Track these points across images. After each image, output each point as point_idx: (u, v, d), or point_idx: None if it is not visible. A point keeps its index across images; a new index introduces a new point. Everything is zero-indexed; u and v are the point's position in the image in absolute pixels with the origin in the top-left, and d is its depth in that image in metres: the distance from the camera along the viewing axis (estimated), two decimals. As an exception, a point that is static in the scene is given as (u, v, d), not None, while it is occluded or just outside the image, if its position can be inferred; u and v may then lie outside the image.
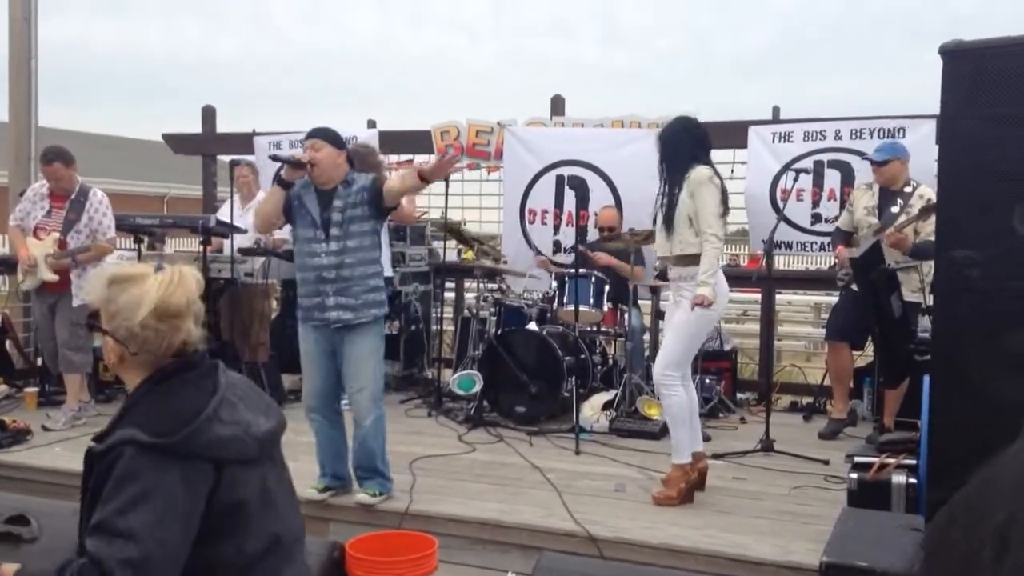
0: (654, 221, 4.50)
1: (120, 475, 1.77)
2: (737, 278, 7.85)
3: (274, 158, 4.72)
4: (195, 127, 8.34)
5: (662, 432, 5.62)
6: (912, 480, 3.73)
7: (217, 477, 1.84)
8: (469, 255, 7.97)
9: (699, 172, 4.24)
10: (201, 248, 6.11)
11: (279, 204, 4.23)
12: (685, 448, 4.31)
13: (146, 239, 6.38)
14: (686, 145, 4.34)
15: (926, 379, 3.55)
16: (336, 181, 4.22)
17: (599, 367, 6.25)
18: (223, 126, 8.32)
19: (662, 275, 6.51)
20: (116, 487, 1.76)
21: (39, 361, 6.65)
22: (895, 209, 5.30)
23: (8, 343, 6.76)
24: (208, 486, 1.83)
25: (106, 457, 1.81)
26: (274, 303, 6.75)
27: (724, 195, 4.28)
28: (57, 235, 5.66)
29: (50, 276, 5.63)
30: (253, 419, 1.95)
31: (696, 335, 4.34)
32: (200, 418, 1.84)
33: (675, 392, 4.25)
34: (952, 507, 0.55)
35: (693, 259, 4.21)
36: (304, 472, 4.50)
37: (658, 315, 7.20)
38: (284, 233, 6.58)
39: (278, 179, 4.25)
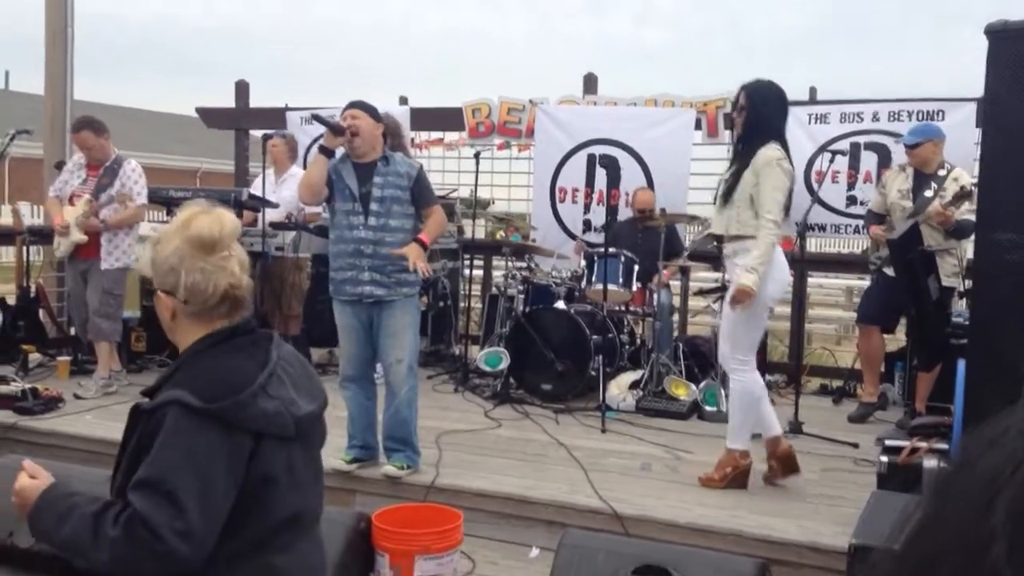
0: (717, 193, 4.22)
1: (167, 435, 1.78)
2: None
3: (316, 118, 4.67)
4: (229, 102, 8.38)
5: (689, 412, 5.60)
6: (944, 465, 3.69)
7: (254, 449, 1.85)
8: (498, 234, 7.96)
9: (768, 152, 3.94)
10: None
11: (323, 172, 4.21)
12: (739, 434, 4.18)
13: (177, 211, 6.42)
14: (775, 117, 4.05)
15: (960, 363, 3.51)
16: (374, 155, 4.22)
17: (627, 346, 6.23)
18: (257, 101, 8.35)
19: (694, 255, 6.48)
20: (162, 447, 1.78)
21: (72, 330, 6.74)
22: (928, 193, 5.22)
23: (41, 312, 6.85)
24: (246, 457, 1.84)
25: (153, 415, 1.82)
26: (307, 277, 6.77)
27: (791, 180, 4.02)
28: (89, 197, 5.72)
29: (80, 236, 5.69)
30: (297, 398, 1.94)
31: (750, 318, 4.04)
32: (248, 389, 1.84)
33: (739, 378, 4.12)
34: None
35: (748, 240, 4.00)
36: (333, 444, 4.52)
37: (686, 295, 7.16)
38: (318, 207, 6.62)
39: (320, 147, 4.26)
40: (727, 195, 4.01)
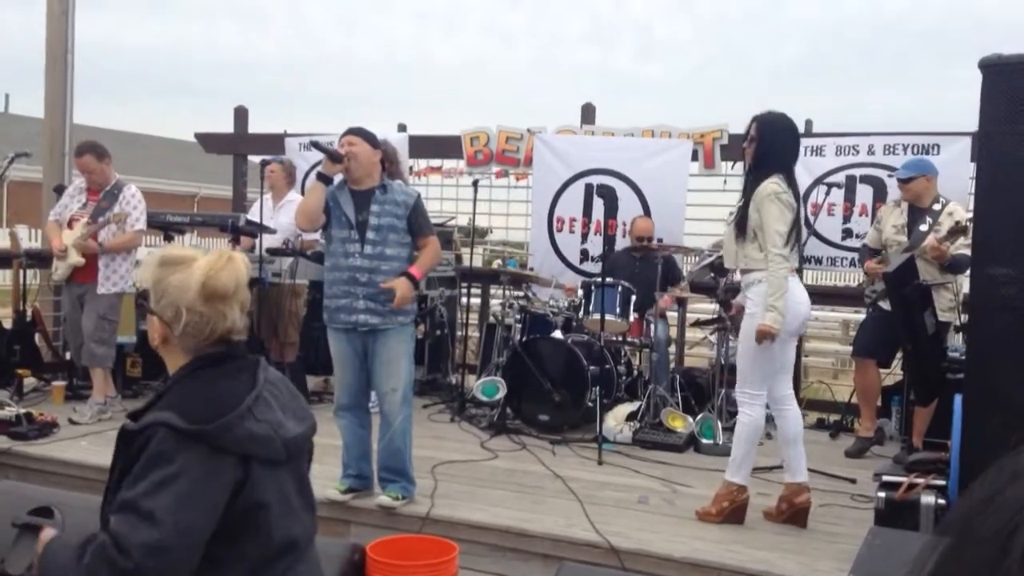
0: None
1: (150, 457, 1.78)
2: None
3: (315, 145, 4.65)
4: (229, 128, 8.41)
5: (686, 444, 5.58)
6: (942, 501, 3.67)
7: (244, 474, 1.85)
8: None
9: (768, 186, 3.94)
10: (230, 247, 6.14)
11: (321, 199, 4.21)
12: (740, 468, 4.15)
13: (176, 237, 6.43)
14: (785, 150, 4.05)
15: (957, 398, 3.50)
16: (371, 182, 4.23)
17: (624, 377, 6.22)
18: (257, 127, 8.38)
19: (692, 287, 6.47)
20: (144, 468, 1.78)
21: (67, 355, 6.72)
22: (923, 227, 5.24)
23: (37, 336, 6.83)
24: (233, 480, 1.84)
25: (139, 437, 1.83)
26: (304, 304, 6.76)
27: (793, 212, 3.98)
28: (87, 220, 5.73)
29: (78, 259, 5.68)
30: (285, 421, 1.95)
31: (761, 352, 4.00)
32: (235, 411, 1.84)
33: (747, 412, 4.09)
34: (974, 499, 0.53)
35: (756, 273, 4.01)
36: (327, 474, 4.51)
37: (683, 326, 7.16)
38: (315, 235, 6.62)
39: (318, 174, 4.26)
40: (740, 229, 4.02)
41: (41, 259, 6.83)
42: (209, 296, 1.93)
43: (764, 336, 3.93)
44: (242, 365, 1.98)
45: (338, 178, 4.30)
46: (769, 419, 6.56)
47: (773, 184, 3.97)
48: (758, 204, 3.95)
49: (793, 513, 4.16)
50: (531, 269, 7.21)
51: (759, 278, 4.00)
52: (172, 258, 1.99)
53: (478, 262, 9.40)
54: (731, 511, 4.16)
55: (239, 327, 1.99)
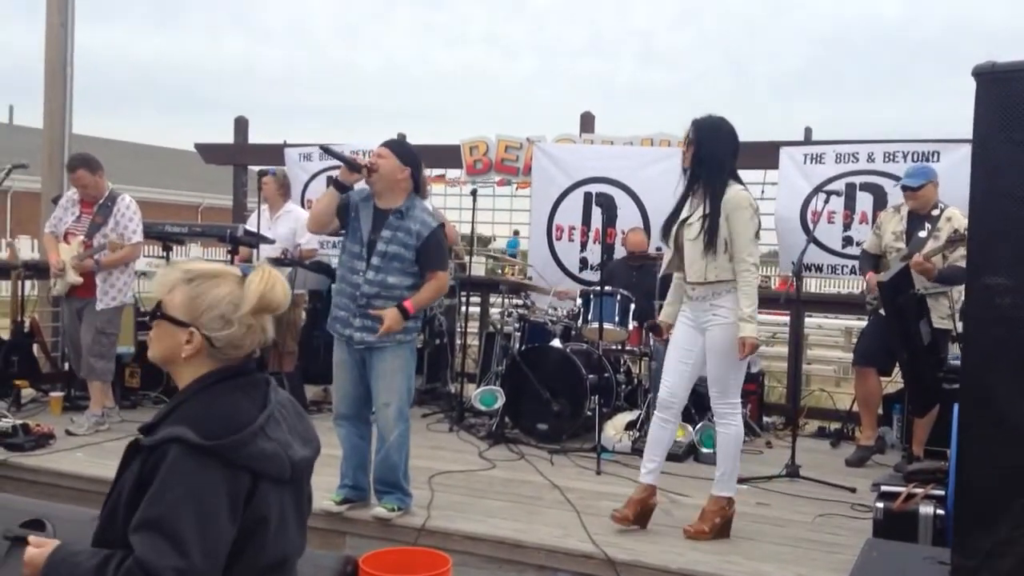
0: (666, 232, 4.15)
1: (168, 473, 1.78)
2: (766, 300, 7.80)
3: (326, 150, 4.53)
4: (229, 138, 8.41)
5: (685, 454, 5.55)
6: (940, 511, 3.64)
7: (251, 490, 1.85)
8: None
9: (739, 194, 3.96)
10: (229, 257, 6.14)
11: (331, 205, 4.15)
12: (731, 481, 4.12)
13: (174, 247, 6.44)
14: (724, 154, 4.01)
15: (956, 408, 3.47)
16: (394, 201, 4.11)
17: (623, 386, 6.19)
18: (258, 137, 8.38)
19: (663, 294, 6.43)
20: (163, 485, 1.77)
21: (65, 366, 6.71)
22: (923, 233, 5.21)
23: (36, 347, 6.82)
24: (244, 497, 1.84)
25: (153, 452, 1.82)
26: (303, 314, 6.76)
27: (758, 220, 4.04)
28: (83, 238, 5.71)
29: (75, 278, 5.68)
30: (292, 442, 1.96)
31: (741, 363, 4.04)
32: (249, 428, 1.85)
33: (732, 423, 4.07)
34: None
35: (725, 284, 3.97)
36: (326, 485, 4.49)
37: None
38: (314, 244, 6.62)
39: (333, 180, 4.18)
40: (711, 240, 3.93)
41: (39, 270, 6.84)
42: (263, 308, 1.97)
43: (752, 348, 3.94)
44: (254, 381, 1.99)
45: (359, 185, 4.20)
46: (768, 428, 6.56)
47: (744, 192, 3.98)
48: (729, 212, 3.92)
49: (724, 525, 4.13)
50: (530, 278, 7.20)
51: (728, 289, 3.97)
52: (204, 272, 1.99)
53: (480, 271, 9.39)
54: (722, 525, 4.12)
55: (269, 338, 2.04)
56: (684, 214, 4.09)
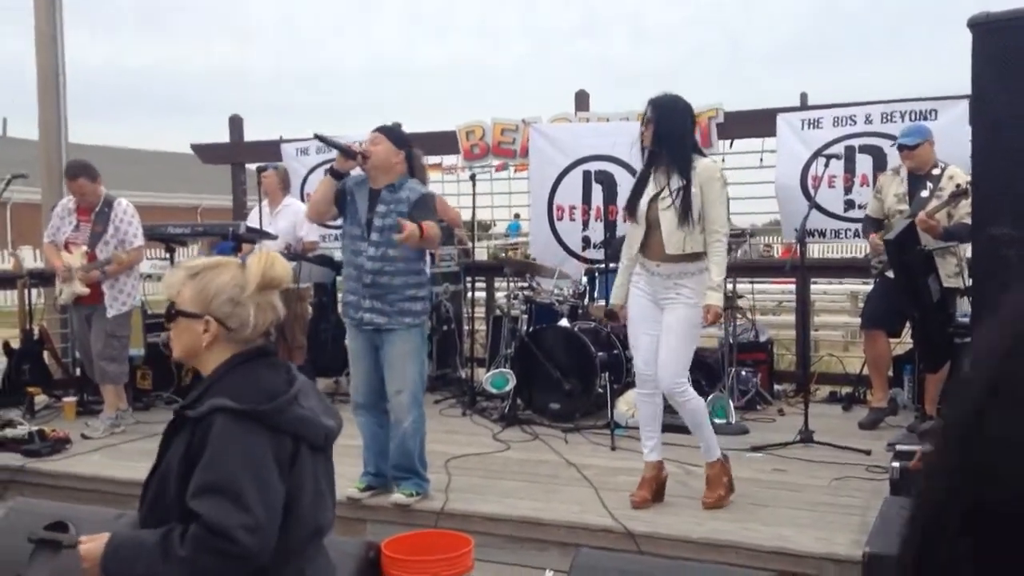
0: (633, 209, 4.09)
1: (218, 439, 1.87)
2: (771, 268, 7.82)
3: (320, 138, 4.64)
4: (223, 139, 8.41)
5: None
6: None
7: (294, 455, 1.95)
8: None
9: (710, 166, 4.04)
10: (233, 255, 6.14)
11: (328, 194, 4.21)
12: (714, 443, 4.18)
13: (178, 248, 6.44)
14: (689, 129, 4.09)
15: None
16: (388, 180, 4.19)
17: (632, 362, 6.19)
18: (253, 137, 8.37)
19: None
20: (216, 451, 1.87)
21: (77, 371, 6.74)
22: (925, 193, 5.20)
23: (46, 354, 6.85)
24: (288, 460, 1.94)
25: (200, 424, 1.91)
26: (309, 308, 6.77)
27: (727, 191, 4.14)
28: (85, 249, 5.71)
29: (82, 289, 5.69)
30: (321, 413, 2.07)
31: (696, 337, 4.14)
32: (285, 396, 1.96)
33: (691, 395, 4.09)
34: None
35: (696, 256, 4.00)
36: (344, 474, 4.48)
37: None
38: (315, 236, 6.63)
39: (330, 169, 4.25)
40: (685, 213, 3.94)
41: (45, 278, 6.85)
42: (267, 285, 2.07)
43: (716, 317, 4.03)
44: (276, 363, 2.11)
45: (355, 172, 4.26)
46: (779, 396, 6.56)
47: (714, 164, 4.05)
48: (703, 183, 3.96)
49: (731, 481, 4.22)
50: (533, 259, 7.20)
51: (696, 269, 4.00)
52: (206, 265, 2.12)
53: (483, 256, 9.39)
54: (730, 482, 4.19)
55: (281, 317, 2.15)
56: (652, 190, 4.07)
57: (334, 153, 4.35)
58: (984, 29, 2.68)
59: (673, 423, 5.52)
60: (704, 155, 4.15)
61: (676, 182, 3.99)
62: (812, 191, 6.06)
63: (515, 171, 7.65)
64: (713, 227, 3.97)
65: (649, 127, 4.04)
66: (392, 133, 4.24)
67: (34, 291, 6.83)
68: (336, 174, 4.20)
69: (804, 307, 6.86)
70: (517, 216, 12.51)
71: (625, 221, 4.27)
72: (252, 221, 6.57)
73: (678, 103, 4.07)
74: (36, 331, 6.73)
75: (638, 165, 6.78)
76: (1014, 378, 0.33)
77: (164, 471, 1.96)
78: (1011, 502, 0.32)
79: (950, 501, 0.34)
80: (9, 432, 5.40)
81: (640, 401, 4.28)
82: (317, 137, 4.76)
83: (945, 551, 0.34)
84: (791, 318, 7.27)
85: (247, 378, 2.01)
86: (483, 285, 7.88)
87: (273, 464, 1.90)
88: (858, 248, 7.51)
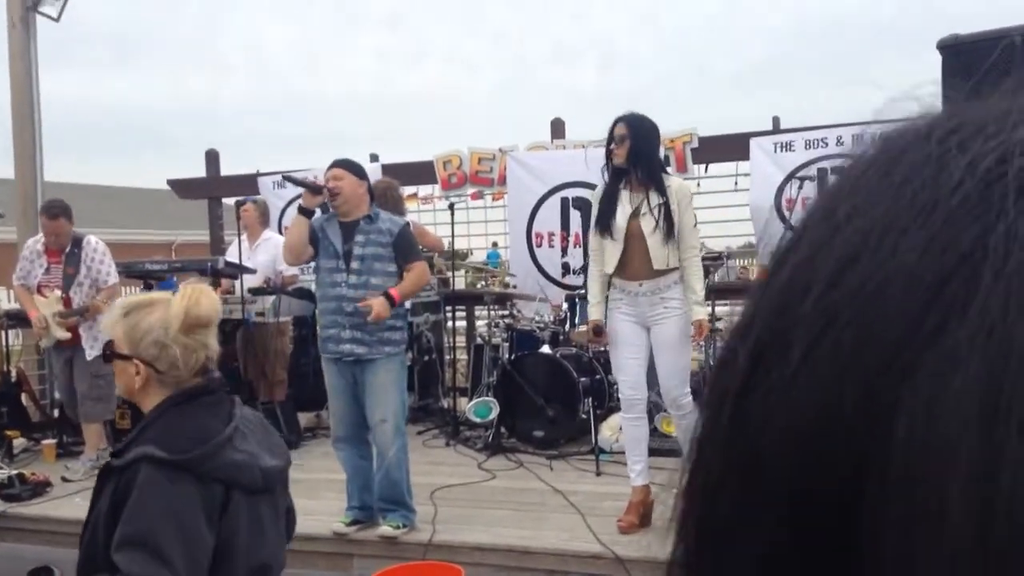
0: (607, 227, 4.11)
1: (142, 490, 1.81)
2: (748, 291, 7.85)
3: (288, 179, 4.71)
4: (200, 174, 8.40)
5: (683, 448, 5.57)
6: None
7: (226, 501, 1.89)
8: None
9: (682, 184, 4.20)
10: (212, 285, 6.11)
11: (303, 234, 4.22)
12: None
13: (155, 284, 6.40)
14: (657, 147, 4.24)
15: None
16: (360, 212, 4.22)
17: (615, 387, 6.21)
18: (228, 170, 8.37)
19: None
20: (139, 505, 1.81)
21: (55, 413, 6.66)
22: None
23: (24, 396, 6.77)
24: (219, 508, 1.88)
25: (125, 472, 1.86)
26: (289, 342, 6.74)
27: None
28: (59, 293, 5.66)
29: (62, 334, 5.64)
30: (261, 453, 2.00)
31: (691, 344, 4.27)
32: (216, 440, 1.90)
33: (691, 410, 4.14)
34: None
35: (672, 274, 4.09)
36: (327, 509, 4.50)
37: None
38: (295, 270, 6.61)
39: (299, 207, 4.27)
40: (669, 230, 4.02)
41: (22, 320, 6.78)
42: (192, 325, 1.99)
43: (707, 330, 4.12)
44: (218, 400, 2.03)
45: (319, 210, 4.30)
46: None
47: (686, 183, 4.19)
48: (679, 200, 4.06)
49: (646, 513, 4.24)
50: (513, 287, 7.22)
51: (674, 280, 4.10)
52: (138, 303, 2.06)
53: (460, 285, 9.41)
54: None
55: (215, 354, 2.07)
56: (628, 208, 4.10)
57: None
58: (953, 51, 2.75)
59: (660, 447, 5.56)
60: (668, 173, 4.28)
61: (655, 199, 4.04)
62: (787, 213, 6.14)
63: (492, 200, 7.69)
64: (689, 242, 4.07)
65: (624, 144, 4.07)
66: (351, 166, 4.29)
67: (11, 332, 6.76)
68: (306, 212, 4.23)
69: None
70: (495, 245, 12.58)
71: (600, 237, 4.20)
72: (231, 255, 6.55)
73: (647, 121, 4.13)
74: (13, 373, 6.66)
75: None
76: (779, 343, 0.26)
77: (94, 520, 1.91)
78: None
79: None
80: (-12, 476, 5.32)
81: (627, 425, 4.29)
82: (284, 177, 4.88)
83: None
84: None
85: (177, 423, 1.95)
86: (463, 314, 7.89)
87: (199, 513, 1.84)
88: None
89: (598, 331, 4.33)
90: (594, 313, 4.31)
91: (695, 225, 4.14)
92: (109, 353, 2.05)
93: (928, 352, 0.23)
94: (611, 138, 4.10)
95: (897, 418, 0.23)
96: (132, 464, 1.85)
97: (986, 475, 0.21)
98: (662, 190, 4.04)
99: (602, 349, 6.16)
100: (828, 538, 0.24)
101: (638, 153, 4.04)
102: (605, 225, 4.14)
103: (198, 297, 2.02)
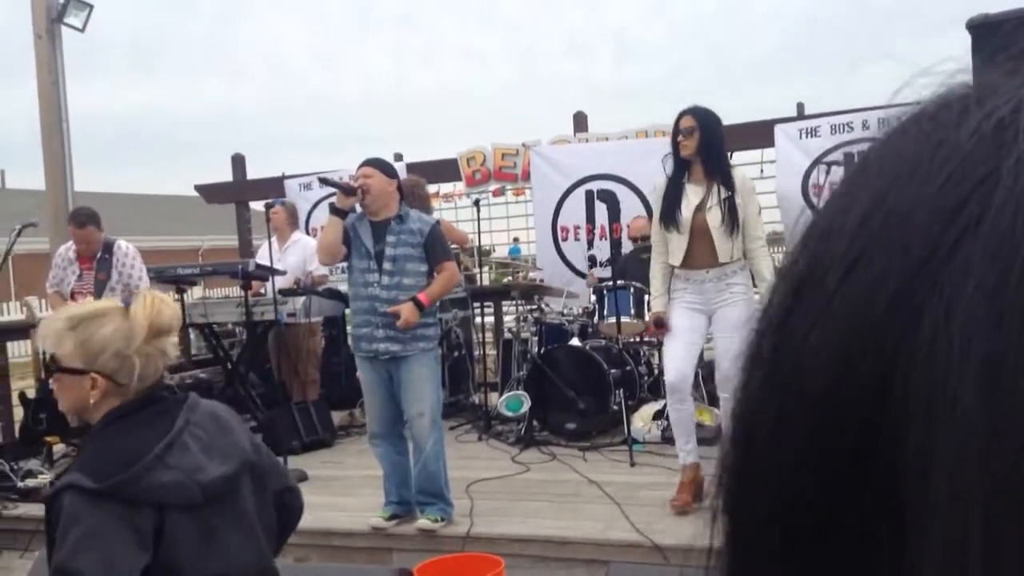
0: (672, 219, 4.13)
1: (64, 521, 1.79)
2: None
3: (323, 181, 4.77)
4: (222, 179, 8.48)
5: (716, 436, 5.57)
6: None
7: (160, 522, 1.84)
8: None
9: (747, 177, 4.23)
10: (242, 293, 6.18)
11: (338, 234, 4.26)
12: None
13: (188, 288, 6.48)
14: (723, 140, 4.24)
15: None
16: (389, 212, 4.25)
17: (645, 377, 6.23)
18: (253, 174, 8.44)
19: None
20: (63, 533, 1.79)
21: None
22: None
23: (62, 403, 6.86)
24: (152, 529, 1.83)
25: (53, 504, 1.84)
26: (321, 341, 6.80)
27: None
28: (92, 299, 5.73)
29: None
30: (204, 463, 1.92)
31: None
32: (141, 463, 1.83)
33: None
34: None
35: (738, 262, 4.16)
36: (365, 505, 4.55)
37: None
38: (324, 270, 6.67)
39: (332, 208, 4.32)
40: (734, 221, 4.07)
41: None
42: (156, 334, 1.92)
43: None
44: (163, 408, 1.95)
45: (359, 208, 4.35)
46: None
47: (747, 173, 4.20)
48: (744, 194, 4.09)
49: (697, 491, 4.27)
50: (540, 281, 7.24)
51: (740, 267, 4.15)
52: (84, 315, 1.95)
53: (487, 281, 9.44)
54: None
55: (172, 358, 2.05)
56: (694, 200, 4.15)
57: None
58: (984, 31, 2.73)
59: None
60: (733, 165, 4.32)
61: (722, 192, 4.09)
62: (815, 199, 6.12)
63: (513, 195, 7.71)
64: (755, 233, 4.13)
65: (692, 136, 4.10)
66: (381, 164, 4.32)
67: (47, 339, 6.84)
68: (340, 212, 4.27)
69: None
70: (516, 240, 12.61)
71: (665, 230, 4.24)
72: (261, 258, 6.61)
73: (712, 114, 4.18)
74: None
75: (643, 181, 6.89)
76: (815, 286, 0.30)
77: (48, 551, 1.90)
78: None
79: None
80: (31, 482, 5.41)
81: (672, 409, 4.34)
82: (320, 180, 4.95)
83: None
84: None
85: (107, 445, 1.89)
86: (491, 309, 7.92)
87: (127, 536, 1.79)
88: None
89: (660, 323, 4.34)
90: (657, 305, 4.35)
91: (759, 212, 4.19)
92: (56, 368, 1.93)
93: (948, 264, 0.26)
94: (677, 131, 4.14)
95: (922, 321, 0.26)
96: (57, 494, 1.83)
97: (993, 364, 0.25)
98: (729, 183, 4.09)
99: (632, 340, 6.18)
100: (856, 442, 0.27)
101: (709, 146, 4.09)
102: (671, 218, 4.17)
103: (159, 307, 1.95)
